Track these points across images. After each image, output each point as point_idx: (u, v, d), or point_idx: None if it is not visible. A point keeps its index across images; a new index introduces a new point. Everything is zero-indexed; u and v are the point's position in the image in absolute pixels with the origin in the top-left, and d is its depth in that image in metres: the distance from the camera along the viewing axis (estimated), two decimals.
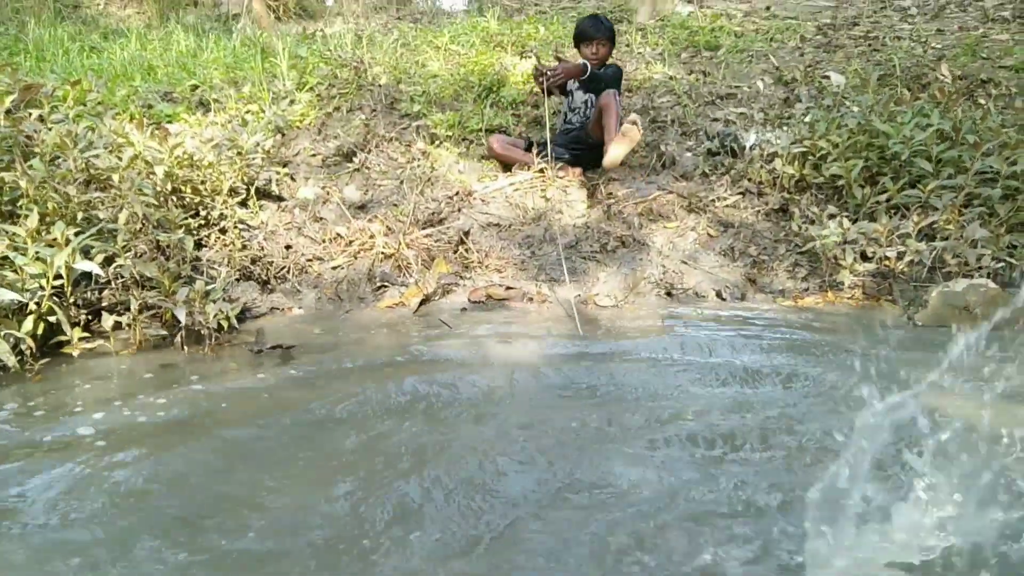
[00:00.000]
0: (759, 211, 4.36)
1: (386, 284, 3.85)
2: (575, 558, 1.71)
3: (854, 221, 3.92)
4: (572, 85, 4.91)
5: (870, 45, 6.49)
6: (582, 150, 4.78)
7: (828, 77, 5.67)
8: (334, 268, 3.94)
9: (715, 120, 5.33)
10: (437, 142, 5.00)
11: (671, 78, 5.95)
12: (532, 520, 1.87)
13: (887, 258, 3.72)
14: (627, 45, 6.77)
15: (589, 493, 1.99)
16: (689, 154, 4.98)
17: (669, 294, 3.74)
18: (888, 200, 4.04)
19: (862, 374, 2.71)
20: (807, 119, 4.81)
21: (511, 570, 1.68)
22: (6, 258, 2.91)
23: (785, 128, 4.90)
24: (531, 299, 3.73)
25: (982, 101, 4.94)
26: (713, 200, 4.46)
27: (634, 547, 1.74)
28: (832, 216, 3.95)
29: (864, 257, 3.77)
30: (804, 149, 4.47)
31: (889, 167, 4.28)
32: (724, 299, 3.67)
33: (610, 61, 4.91)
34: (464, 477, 2.06)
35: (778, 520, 1.82)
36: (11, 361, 2.78)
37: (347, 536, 1.82)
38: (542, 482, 2.04)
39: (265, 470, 2.17)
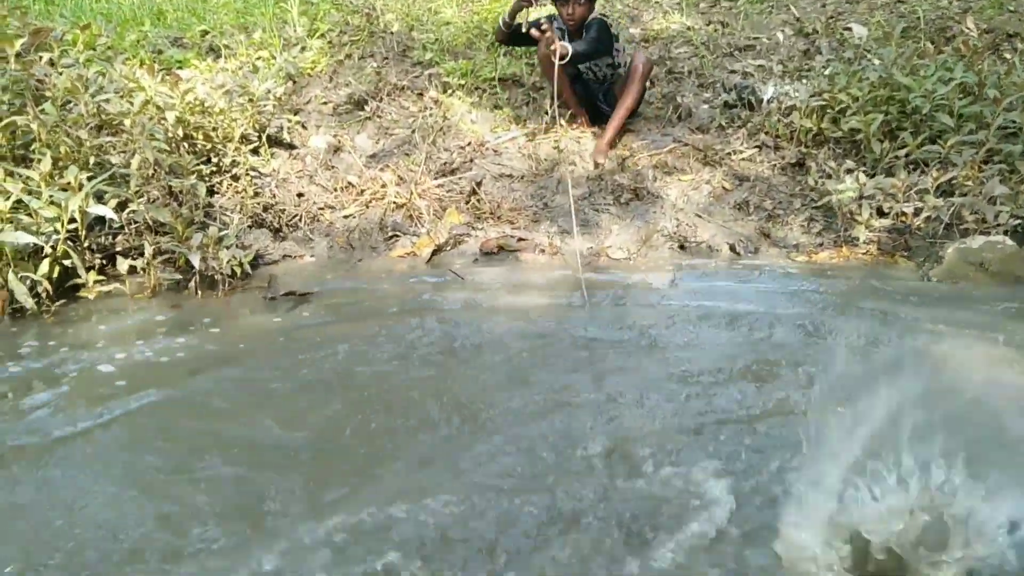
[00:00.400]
0: (775, 165, 4.30)
1: (398, 234, 3.85)
2: (538, 452, 1.97)
3: (871, 176, 3.87)
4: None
5: None
6: (602, 99, 4.68)
7: (850, 29, 5.53)
8: (346, 217, 3.94)
9: (733, 72, 5.23)
10: (450, 91, 4.93)
11: (689, 28, 5.83)
12: (505, 431, 2.06)
13: (904, 214, 3.67)
14: None
15: (562, 417, 2.13)
16: (706, 106, 4.90)
17: (682, 247, 3.72)
18: (907, 155, 3.98)
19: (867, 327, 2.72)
20: (827, 72, 4.72)
21: (476, 457, 1.95)
22: (20, 202, 2.91)
23: (804, 81, 4.81)
24: (543, 251, 3.72)
25: (1007, 55, 4.83)
26: (729, 153, 4.40)
27: (586, 449, 1.97)
28: (849, 171, 3.89)
29: (880, 213, 3.72)
30: (823, 102, 4.39)
31: (909, 122, 4.20)
32: (738, 253, 3.65)
33: (593, 16, 4.31)
34: (458, 402, 2.22)
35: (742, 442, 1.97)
36: (29, 303, 2.81)
37: (339, 444, 1.90)
38: (520, 405, 2.16)
39: (276, 399, 2.22)
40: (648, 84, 4.67)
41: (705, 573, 1.51)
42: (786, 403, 2.17)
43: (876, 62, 4.60)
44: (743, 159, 4.37)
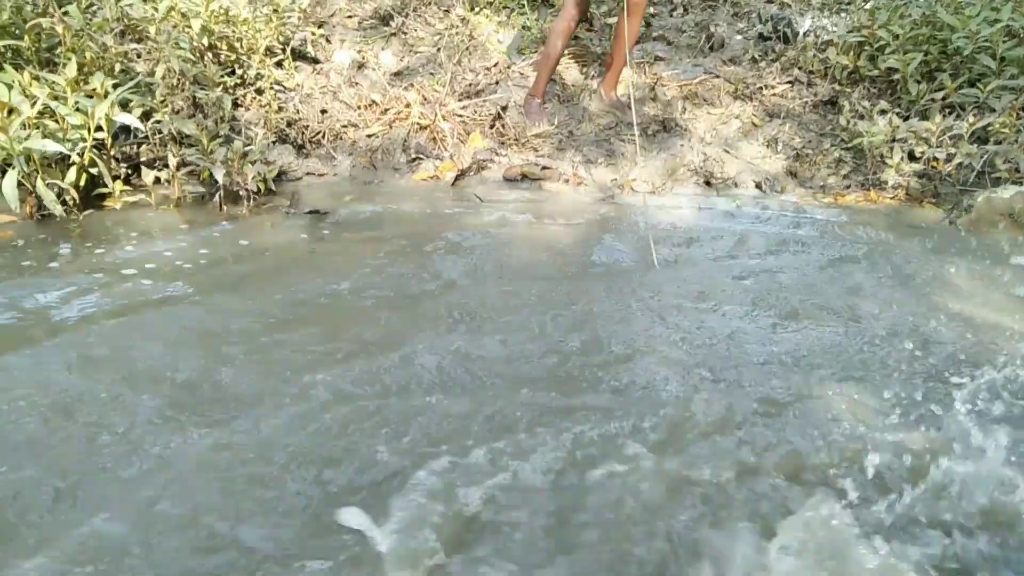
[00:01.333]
0: (807, 102, 4.21)
1: (421, 156, 3.81)
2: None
3: (905, 118, 3.79)
4: None
5: None
6: None
7: None
8: (369, 136, 3.90)
9: (769, 2, 5.06)
10: (477, 9, 4.80)
11: None
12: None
13: (935, 159, 3.61)
14: None
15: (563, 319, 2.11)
16: (739, 37, 4.77)
17: (708, 183, 3.68)
18: (944, 98, 3.89)
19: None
20: (868, 6, 4.56)
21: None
22: (47, 107, 2.89)
23: (843, 14, 4.66)
24: (567, 180, 3.69)
25: None
26: (761, 88, 4.30)
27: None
28: (883, 112, 3.81)
29: (911, 157, 3.66)
30: (861, 38, 4.27)
31: (949, 63, 4.08)
32: (764, 191, 3.61)
33: None
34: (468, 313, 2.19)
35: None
36: (57, 210, 2.82)
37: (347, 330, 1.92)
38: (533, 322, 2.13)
39: (293, 306, 2.26)
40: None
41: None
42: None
43: None
44: (774, 94, 4.28)
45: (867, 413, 1.84)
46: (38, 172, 2.80)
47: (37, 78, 2.96)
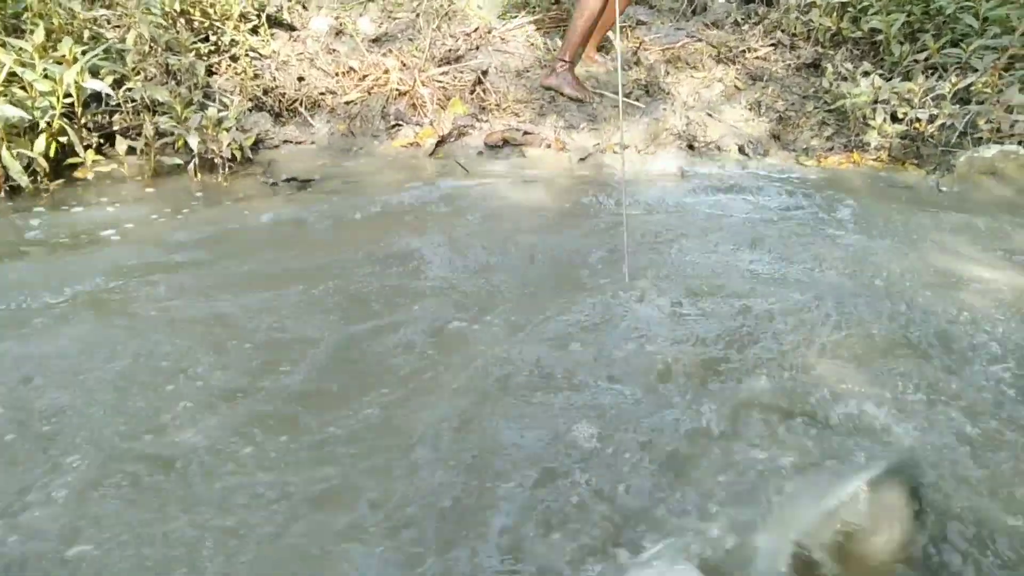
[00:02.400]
0: (790, 65, 4.18)
1: (400, 123, 3.76)
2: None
3: (888, 80, 3.76)
4: None
5: None
6: None
7: None
8: (347, 103, 3.83)
9: None
10: None
11: None
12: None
13: (918, 120, 3.60)
14: None
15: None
16: (722, 0, 4.71)
17: (691, 147, 3.65)
18: (927, 59, 3.86)
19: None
20: None
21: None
22: (14, 75, 2.82)
23: None
24: (549, 145, 3.65)
25: None
26: (743, 51, 4.26)
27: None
28: (866, 74, 3.79)
29: (894, 118, 3.64)
30: (844, 0, 4.23)
31: (932, 23, 4.05)
32: (747, 155, 3.59)
33: None
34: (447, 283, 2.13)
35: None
36: (23, 181, 2.76)
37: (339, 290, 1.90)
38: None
39: (268, 277, 2.22)
40: None
41: None
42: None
43: None
44: (757, 57, 4.24)
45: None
46: (3, 141, 2.72)
47: (3, 44, 2.88)
